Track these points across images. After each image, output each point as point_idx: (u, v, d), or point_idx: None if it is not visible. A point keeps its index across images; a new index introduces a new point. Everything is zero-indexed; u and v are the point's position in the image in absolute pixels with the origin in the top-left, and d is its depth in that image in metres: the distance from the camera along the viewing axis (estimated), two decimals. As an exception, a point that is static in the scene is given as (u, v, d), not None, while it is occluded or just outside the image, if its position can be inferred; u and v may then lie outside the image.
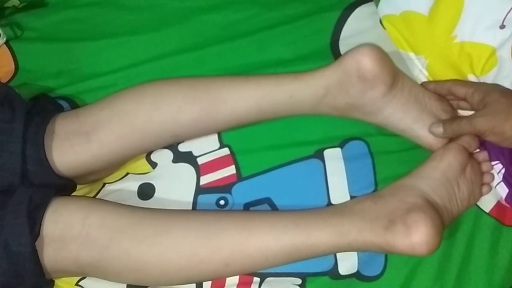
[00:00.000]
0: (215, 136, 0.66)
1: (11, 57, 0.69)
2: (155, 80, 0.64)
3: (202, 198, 0.64)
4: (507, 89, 0.60)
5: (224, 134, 0.66)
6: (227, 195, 0.64)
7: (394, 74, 0.62)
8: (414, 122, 0.62)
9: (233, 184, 0.64)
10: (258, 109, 0.62)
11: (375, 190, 0.64)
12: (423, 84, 0.65)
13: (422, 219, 0.55)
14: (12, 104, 0.60)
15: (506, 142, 0.57)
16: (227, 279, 0.61)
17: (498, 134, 0.56)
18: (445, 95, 0.64)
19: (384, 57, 0.61)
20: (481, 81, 0.63)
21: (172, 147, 0.65)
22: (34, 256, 0.53)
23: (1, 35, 0.68)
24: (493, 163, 0.65)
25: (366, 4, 0.70)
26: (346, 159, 0.65)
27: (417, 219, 0.55)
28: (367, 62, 0.60)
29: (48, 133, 0.58)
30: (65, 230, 0.55)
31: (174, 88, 0.61)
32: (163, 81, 0.63)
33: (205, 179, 0.65)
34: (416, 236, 0.54)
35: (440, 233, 0.56)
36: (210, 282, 0.61)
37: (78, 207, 0.56)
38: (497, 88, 0.59)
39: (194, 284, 0.61)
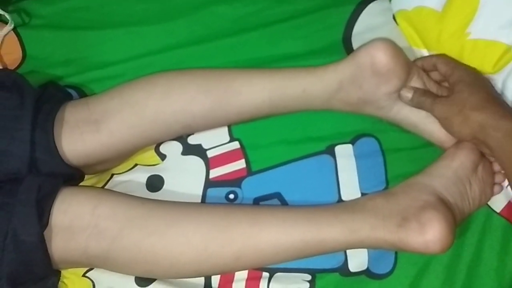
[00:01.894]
0: (225, 129, 0.65)
1: (19, 44, 0.68)
2: (166, 71, 0.63)
3: (211, 191, 0.63)
4: (482, 84, 0.60)
5: (234, 128, 0.65)
6: (237, 189, 0.63)
7: (408, 69, 0.61)
8: (427, 117, 0.62)
9: (243, 178, 0.64)
10: (270, 102, 0.61)
11: (386, 188, 0.63)
12: (414, 62, 0.64)
13: (435, 217, 0.55)
14: (21, 91, 0.59)
15: (453, 135, 0.59)
16: (236, 273, 0.60)
17: (448, 125, 0.58)
18: (431, 70, 0.64)
19: (398, 52, 0.60)
20: (493, 78, 0.63)
21: (182, 139, 0.65)
22: (42, 246, 0.53)
23: (9, 22, 0.67)
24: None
25: (379, 0, 0.70)
26: (357, 156, 0.64)
27: (431, 216, 0.55)
28: (381, 57, 0.59)
29: (57, 120, 0.58)
30: (74, 221, 0.54)
31: (187, 78, 0.61)
32: (175, 72, 0.63)
33: (214, 173, 0.64)
34: (430, 234, 0.54)
35: (453, 231, 0.56)
36: (218, 276, 0.61)
37: (87, 197, 0.56)
38: (470, 81, 0.59)
39: (203, 278, 0.60)
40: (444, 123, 0.58)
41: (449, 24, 0.64)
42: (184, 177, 0.64)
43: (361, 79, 0.60)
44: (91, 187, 0.63)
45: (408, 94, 0.60)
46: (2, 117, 0.57)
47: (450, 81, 0.60)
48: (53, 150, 0.57)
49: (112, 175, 0.65)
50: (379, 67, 0.59)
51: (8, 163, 0.56)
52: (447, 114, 0.57)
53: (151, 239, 0.54)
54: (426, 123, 0.62)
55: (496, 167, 0.63)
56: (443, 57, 0.63)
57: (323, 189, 0.63)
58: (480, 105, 0.56)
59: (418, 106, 0.60)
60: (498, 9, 0.61)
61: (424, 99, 0.60)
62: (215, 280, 0.61)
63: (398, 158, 0.65)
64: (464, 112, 0.56)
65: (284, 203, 0.63)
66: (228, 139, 0.65)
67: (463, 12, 0.63)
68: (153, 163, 0.65)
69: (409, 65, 0.62)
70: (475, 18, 0.62)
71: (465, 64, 0.63)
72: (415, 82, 0.62)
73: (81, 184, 0.64)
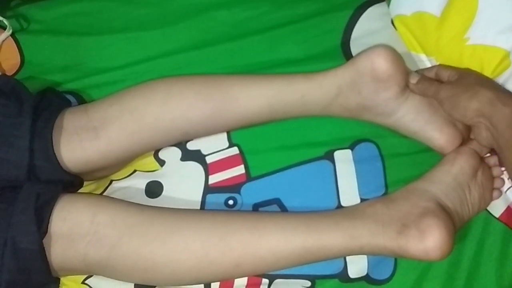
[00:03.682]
0: (224, 135, 0.65)
1: (17, 50, 0.68)
2: (165, 77, 0.63)
3: (210, 197, 0.63)
4: (486, 78, 0.61)
5: (233, 133, 0.65)
6: (236, 195, 0.63)
7: (408, 75, 0.61)
8: (425, 124, 0.62)
9: (242, 184, 0.64)
10: (269, 108, 0.61)
11: (385, 193, 0.63)
12: (413, 73, 0.64)
13: (435, 223, 0.55)
14: (19, 97, 0.59)
15: (456, 113, 0.58)
16: (236, 280, 0.60)
17: (452, 103, 0.57)
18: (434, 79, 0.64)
19: (398, 58, 0.61)
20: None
21: (181, 145, 0.65)
22: (42, 254, 0.53)
23: (7, 27, 0.67)
24: (502, 168, 0.65)
25: (377, 4, 0.70)
26: (356, 161, 0.64)
27: (430, 223, 0.55)
28: (381, 63, 0.59)
29: (56, 128, 0.58)
30: (74, 228, 0.54)
31: (185, 85, 0.61)
32: (174, 78, 0.63)
33: (213, 178, 0.64)
34: (430, 241, 0.54)
35: (453, 238, 0.56)
36: (218, 283, 0.60)
37: (86, 204, 0.55)
38: (474, 72, 0.60)
39: (203, 285, 0.60)
40: (449, 101, 0.57)
41: (447, 29, 0.64)
42: (183, 183, 0.64)
43: (361, 85, 0.60)
44: (90, 194, 0.63)
45: (414, 79, 0.61)
46: (0, 124, 0.57)
47: (455, 77, 0.60)
48: (52, 157, 0.57)
49: (111, 181, 0.64)
50: (378, 73, 0.59)
51: (6, 171, 0.56)
52: (453, 92, 0.57)
53: (150, 247, 0.54)
54: (426, 130, 0.62)
55: (495, 172, 0.63)
56: (441, 65, 0.64)
57: (323, 194, 0.63)
58: (489, 83, 0.57)
59: (423, 91, 0.60)
60: (496, 14, 0.61)
61: (429, 84, 0.60)
62: (215, 287, 0.60)
63: (397, 163, 0.65)
64: (474, 88, 0.56)
65: (283, 208, 0.63)
66: (227, 144, 0.65)
67: (461, 17, 0.63)
68: (152, 169, 0.64)
69: (409, 72, 0.62)
70: (474, 24, 0.62)
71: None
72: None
73: (80, 190, 0.64)
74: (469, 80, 0.58)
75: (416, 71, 0.64)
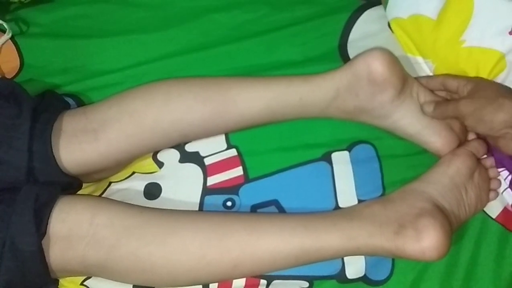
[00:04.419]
0: (223, 137, 0.65)
1: (17, 53, 0.68)
2: (165, 79, 0.63)
3: (209, 199, 0.63)
4: (501, 84, 0.61)
5: (231, 135, 0.65)
6: (234, 197, 0.64)
7: (404, 79, 0.62)
8: (422, 127, 0.62)
9: (241, 185, 0.64)
10: (267, 110, 0.62)
11: (382, 194, 0.64)
12: (416, 79, 0.65)
13: (432, 224, 0.55)
14: (19, 100, 0.59)
15: (482, 126, 0.57)
16: (234, 281, 0.60)
17: (477, 118, 0.57)
18: (438, 89, 0.64)
19: (394, 62, 0.61)
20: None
21: (179, 147, 0.65)
22: (40, 255, 0.53)
23: (7, 30, 0.67)
24: (499, 170, 0.65)
25: (374, 7, 0.70)
26: (354, 162, 0.64)
27: (427, 224, 0.55)
28: (378, 66, 0.60)
29: (55, 130, 0.58)
30: (72, 229, 0.54)
31: (185, 87, 0.61)
32: (173, 80, 0.63)
33: (212, 180, 0.64)
34: (427, 241, 0.54)
35: (450, 238, 0.56)
36: (216, 285, 0.61)
37: (85, 206, 0.56)
38: (488, 80, 0.60)
39: (201, 286, 0.60)
40: (473, 116, 0.57)
41: (444, 32, 0.64)
42: (182, 184, 0.64)
43: (358, 87, 0.61)
44: (89, 196, 0.63)
45: (430, 108, 0.61)
46: (-1, 126, 0.57)
47: (468, 88, 0.59)
48: (51, 159, 0.57)
49: (110, 183, 0.65)
50: (375, 76, 0.60)
51: (5, 172, 0.56)
52: (476, 106, 0.56)
53: (148, 248, 0.54)
54: (423, 133, 0.62)
55: (492, 173, 0.64)
56: (448, 75, 0.63)
57: (320, 195, 0.63)
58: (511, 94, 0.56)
59: (443, 114, 0.60)
60: (492, 16, 0.62)
61: (445, 105, 0.60)
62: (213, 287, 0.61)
63: (394, 165, 0.65)
64: (498, 100, 0.55)
65: (281, 210, 0.63)
66: (225, 146, 0.65)
67: (457, 20, 0.63)
68: (151, 171, 0.65)
69: (405, 76, 0.62)
70: (470, 26, 0.63)
71: None
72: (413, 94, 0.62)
73: (79, 192, 0.64)
74: (489, 92, 0.57)
75: (418, 78, 0.64)
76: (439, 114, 0.61)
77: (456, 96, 0.62)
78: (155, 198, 0.63)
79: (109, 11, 0.69)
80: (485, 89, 0.58)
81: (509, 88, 0.60)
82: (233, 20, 0.69)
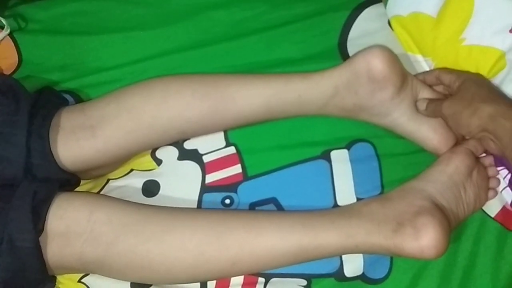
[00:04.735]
0: (221, 134, 0.65)
1: (15, 49, 0.68)
2: (163, 76, 0.63)
3: (207, 196, 0.63)
4: (487, 82, 0.61)
5: (230, 133, 0.65)
6: (233, 194, 0.63)
7: (404, 76, 0.62)
8: (420, 125, 0.62)
9: (239, 183, 0.64)
10: (266, 107, 0.62)
11: (381, 193, 0.64)
12: (415, 76, 0.64)
13: (430, 222, 0.55)
14: (17, 96, 0.59)
15: (461, 129, 0.58)
16: (232, 279, 0.60)
17: (455, 121, 0.57)
18: (434, 83, 0.64)
19: (394, 59, 0.61)
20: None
21: (178, 144, 0.65)
22: (38, 252, 0.53)
23: (5, 26, 0.67)
24: (498, 169, 0.65)
25: (374, 5, 0.70)
26: (353, 160, 0.64)
27: (425, 222, 0.55)
28: (377, 63, 0.59)
29: (53, 126, 0.58)
30: (70, 226, 0.54)
31: (183, 84, 0.61)
32: (171, 77, 0.63)
33: (210, 178, 0.64)
34: (425, 239, 0.54)
35: (448, 236, 0.56)
36: (214, 282, 0.61)
37: (83, 203, 0.56)
38: (476, 79, 0.60)
39: (199, 284, 0.60)
40: (452, 119, 0.58)
41: (444, 30, 0.64)
42: (180, 182, 0.64)
43: (357, 85, 0.61)
44: (87, 192, 0.63)
45: (423, 105, 0.61)
46: (-3, 122, 0.57)
47: (456, 84, 0.60)
48: (48, 155, 0.57)
49: (108, 180, 0.64)
50: (374, 73, 0.60)
51: (3, 169, 0.56)
52: (455, 109, 0.57)
53: (147, 245, 0.54)
54: (421, 131, 0.62)
55: (491, 172, 0.64)
56: (443, 69, 0.64)
57: (319, 194, 0.63)
58: (488, 97, 0.56)
59: (431, 113, 0.61)
60: (492, 15, 0.61)
61: (434, 104, 0.60)
62: (211, 285, 0.60)
63: (393, 163, 0.65)
64: (473, 105, 0.56)
65: (280, 208, 0.63)
66: (224, 144, 0.65)
67: (458, 18, 0.63)
68: (149, 168, 0.65)
69: (405, 74, 0.62)
70: (470, 24, 0.62)
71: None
72: (410, 91, 0.62)
73: (77, 189, 0.64)
74: (469, 94, 0.57)
75: (416, 74, 0.65)
76: (430, 113, 0.61)
77: (450, 91, 0.62)
78: (153, 196, 0.63)
79: (108, 8, 0.69)
80: (467, 90, 0.58)
81: (497, 88, 0.60)
82: (231, 18, 0.69)
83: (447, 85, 0.62)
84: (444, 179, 0.60)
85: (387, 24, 0.69)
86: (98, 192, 0.64)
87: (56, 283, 0.60)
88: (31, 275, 0.53)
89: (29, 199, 0.53)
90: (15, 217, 0.52)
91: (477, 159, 0.62)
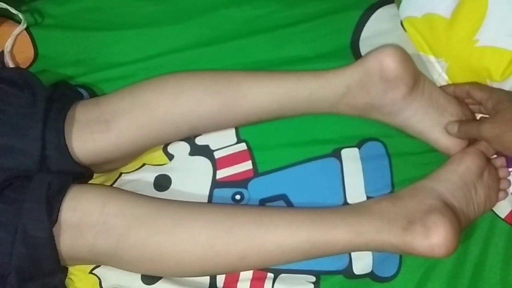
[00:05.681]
0: (233, 131, 0.65)
1: (31, 44, 0.69)
2: (176, 72, 0.64)
3: (218, 192, 0.64)
4: None
5: (241, 129, 0.65)
6: (243, 190, 0.64)
7: (416, 76, 0.62)
8: (433, 125, 0.62)
9: (250, 179, 0.64)
10: (278, 105, 0.62)
11: (391, 191, 0.64)
12: (442, 88, 0.65)
13: (441, 221, 0.55)
14: (33, 89, 0.60)
15: (506, 151, 0.58)
16: (241, 273, 0.61)
17: (500, 143, 0.57)
18: (464, 98, 0.64)
19: (407, 59, 0.61)
20: (500, 86, 0.63)
21: (189, 140, 0.65)
22: (51, 242, 0.53)
23: (22, 21, 0.68)
24: (509, 169, 0.65)
25: (387, 6, 0.70)
26: (364, 159, 0.65)
27: (436, 220, 0.55)
28: (390, 63, 0.60)
29: (68, 119, 0.58)
30: (83, 218, 0.54)
31: (195, 80, 0.61)
32: (184, 73, 0.63)
33: (221, 173, 0.64)
34: (435, 238, 0.54)
35: (458, 235, 0.56)
36: (223, 276, 0.61)
37: (96, 195, 0.56)
38: (509, 98, 0.59)
39: (208, 277, 0.61)
40: (496, 142, 0.58)
41: (457, 31, 0.64)
42: (191, 177, 0.64)
43: (369, 84, 0.61)
44: (100, 185, 0.64)
45: (454, 128, 0.61)
46: (14, 114, 0.58)
47: (490, 104, 0.59)
48: (63, 148, 0.57)
49: (121, 174, 0.65)
50: (387, 73, 0.60)
51: (19, 160, 0.56)
52: (498, 132, 0.57)
53: (157, 238, 0.55)
54: (433, 132, 0.62)
55: (502, 173, 0.64)
56: (475, 84, 0.63)
57: (329, 191, 0.63)
58: None
59: (466, 136, 0.61)
60: (506, 17, 0.61)
61: (469, 126, 0.60)
62: (220, 279, 0.61)
63: (404, 162, 0.65)
64: None
65: (290, 205, 0.63)
66: (235, 140, 0.65)
67: (471, 19, 0.63)
68: (161, 163, 0.65)
69: (417, 73, 0.62)
70: (483, 26, 0.62)
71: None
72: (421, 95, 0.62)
73: (89, 182, 0.64)
74: (509, 115, 0.57)
75: (441, 87, 0.64)
76: (463, 136, 0.61)
77: (482, 109, 0.62)
78: (165, 190, 0.64)
79: (121, 5, 0.70)
80: (506, 111, 0.57)
81: None
82: (244, 16, 0.69)
83: (477, 102, 0.62)
84: (455, 179, 0.60)
85: (400, 25, 0.69)
86: (111, 185, 0.64)
87: (68, 274, 0.61)
88: (44, 265, 0.54)
89: (44, 191, 0.54)
90: (30, 208, 0.53)
91: (488, 160, 0.62)
